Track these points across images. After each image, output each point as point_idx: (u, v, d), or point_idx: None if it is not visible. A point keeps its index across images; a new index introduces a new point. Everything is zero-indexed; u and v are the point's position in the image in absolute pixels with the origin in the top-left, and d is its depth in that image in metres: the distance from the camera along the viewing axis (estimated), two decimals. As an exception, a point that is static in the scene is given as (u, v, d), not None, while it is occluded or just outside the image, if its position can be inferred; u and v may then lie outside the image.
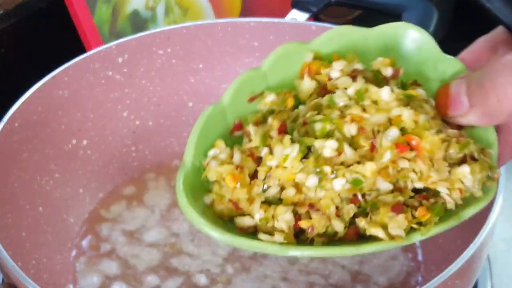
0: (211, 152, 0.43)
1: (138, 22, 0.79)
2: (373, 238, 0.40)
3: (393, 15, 0.73)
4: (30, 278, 0.50)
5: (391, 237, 0.40)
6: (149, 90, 0.70)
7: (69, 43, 0.75)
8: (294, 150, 0.40)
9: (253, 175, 0.42)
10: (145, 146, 0.71)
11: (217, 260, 0.61)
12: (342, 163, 0.41)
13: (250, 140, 0.42)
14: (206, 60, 0.71)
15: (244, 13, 0.87)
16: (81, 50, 0.73)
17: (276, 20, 0.70)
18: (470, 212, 0.42)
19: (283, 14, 0.76)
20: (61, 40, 0.77)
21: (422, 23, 0.72)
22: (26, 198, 0.61)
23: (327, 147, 0.40)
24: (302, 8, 0.76)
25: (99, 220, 0.65)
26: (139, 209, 0.66)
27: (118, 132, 0.69)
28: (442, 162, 0.41)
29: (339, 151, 0.40)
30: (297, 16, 0.75)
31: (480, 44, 0.46)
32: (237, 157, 0.42)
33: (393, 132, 0.41)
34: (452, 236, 0.58)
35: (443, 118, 0.43)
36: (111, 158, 0.69)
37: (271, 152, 0.41)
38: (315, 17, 0.79)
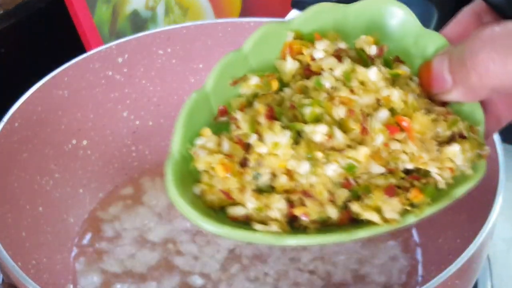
0: (199, 141, 0.42)
1: (138, 22, 0.79)
2: (366, 222, 0.40)
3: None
4: (30, 278, 0.50)
5: (386, 221, 0.39)
6: (149, 90, 0.70)
7: (69, 43, 0.75)
8: (285, 137, 0.39)
9: (243, 163, 0.40)
10: (145, 146, 0.71)
11: (217, 259, 0.61)
12: (333, 147, 0.40)
13: (237, 127, 0.41)
14: (206, 60, 0.71)
15: (244, 13, 0.87)
16: (81, 50, 0.73)
17: (276, 20, 0.70)
18: (461, 190, 0.42)
19: (283, 14, 0.76)
20: (61, 40, 0.77)
21: (422, 23, 0.72)
22: (26, 198, 0.61)
23: (318, 132, 0.40)
24: (302, 8, 0.76)
25: (99, 220, 0.65)
26: (139, 209, 0.66)
27: (118, 132, 0.69)
28: (432, 142, 0.41)
29: (330, 136, 0.40)
30: (297, 16, 0.75)
31: (464, 14, 0.46)
32: (225, 145, 0.41)
33: (383, 113, 0.41)
34: (452, 235, 0.58)
35: (427, 95, 0.43)
36: (111, 158, 0.69)
37: (260, 138, 0.40)
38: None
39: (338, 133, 0.40)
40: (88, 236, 0.64)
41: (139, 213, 0.66)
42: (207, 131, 0.42)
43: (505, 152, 0.54)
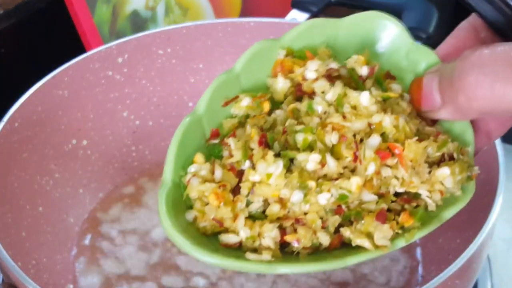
0: (192, 169, 0.42)
1: (138, 22, 0.79)
2: (357, 247, 0.40)
3: (392, 15, 0.73)
4: (30, 278, 0.50)
5: (377, 247, 0.40)
6: (149, 90, 0.70)
7: (69, 43, 0.75)
8: (278, 168, 0.40)
9: (235, 190, 0.41)
10: (145, 146, 0.71)
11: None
12: (325, 175, 0.40)
13: (230, 154, 0.41)
14: (206, 60, 0.71)
15: (244, 13, 0.87)
16: (81, 50, 0.73)
17: (276, 20, 0.70)
18: (450, 213, 0.42)
19: (283, 14, 0.76)
20: (61, 40, 0.77)
21: (422, 23, 0.72)
22: (26, 198, 0.61)
23: (311, 161, 0.40)
24: (302, 8, 0.76)
25: (99, 220, 0.65)
26: (139, 209, 0.66)
27: (118, 132, 0.69)
28: (423, 165, 0.41)
29: (322, 163, 0.40)
30: (297, 16, 0.75)
31: (462, 29, 0.46)
32: (218, 173, 0.41)
33: (375, 140, 0.41)
34: (452, 236, 0.58)
35: (418, 112, 0.43)
36: (111, 158, 0.69)
37: (253, 166, 0.40)
38: (315, 17, 0.79)
39: (331, 161, 0.40)
40: (88, 236, 0.64)
41: (139, 213, 0.66)
42: (200, 157, 0.42)
43: (505, 152, 0.54)
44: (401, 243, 0.40)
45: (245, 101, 0.43)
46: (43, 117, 0.63)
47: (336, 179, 0.40)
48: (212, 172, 0.41)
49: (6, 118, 0.60)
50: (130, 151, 0.70)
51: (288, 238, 0.40)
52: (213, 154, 0.43)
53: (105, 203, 0.67)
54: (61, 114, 0.65)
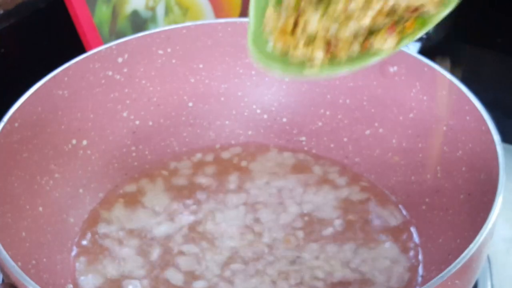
0: (266, 15, 0.53)
1: (138, 22, 0.79)
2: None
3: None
4: (30, 278, 0.50)
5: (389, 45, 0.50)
6: (149, 90, 0.70)
7: (69, 43, 0.75)
8: (317, 14, 0.50)
9: (295, 23, 0.51)
10: (145, 146, 0.71)
11: (218, 259, 0.61)
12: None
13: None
14: (206, 60, 0.71)
15: (244, 13, 0.87)
16: (81, 50, 0.73)
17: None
18: (442, 14, 0.49)
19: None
20: (61, 40, 0.77)
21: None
22: (26, 198, 0.61)
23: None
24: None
25: (99, 220, 0.65)
26: (139, 209, 0.66)
27: (118, 132, 0.69)
28: None
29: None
30: (297, 16, 0.75)
31: None
32: (283, 14, 0.51)
33: None
34: (452, 235, 0.58)
35: None
36: (111, 158, 0.69)
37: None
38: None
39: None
40: (88, 236, 0.64)
41: (139, 213, 0.66)
42: (270, 11, 0.52)
43: (505, 152, 0.54)
44: (406, 40, 0.50)
45: None
46: (43, 117, 0.63)
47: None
48: (279, 16, 0.52)
49: (6, 118, 0.60)
50: (130, 151, 0.70)
51: (332, 48, 0.50)
52: (278, 2, 0.53)
53: (105, 203, 0.67)
54: (61, 114, 0.65)
